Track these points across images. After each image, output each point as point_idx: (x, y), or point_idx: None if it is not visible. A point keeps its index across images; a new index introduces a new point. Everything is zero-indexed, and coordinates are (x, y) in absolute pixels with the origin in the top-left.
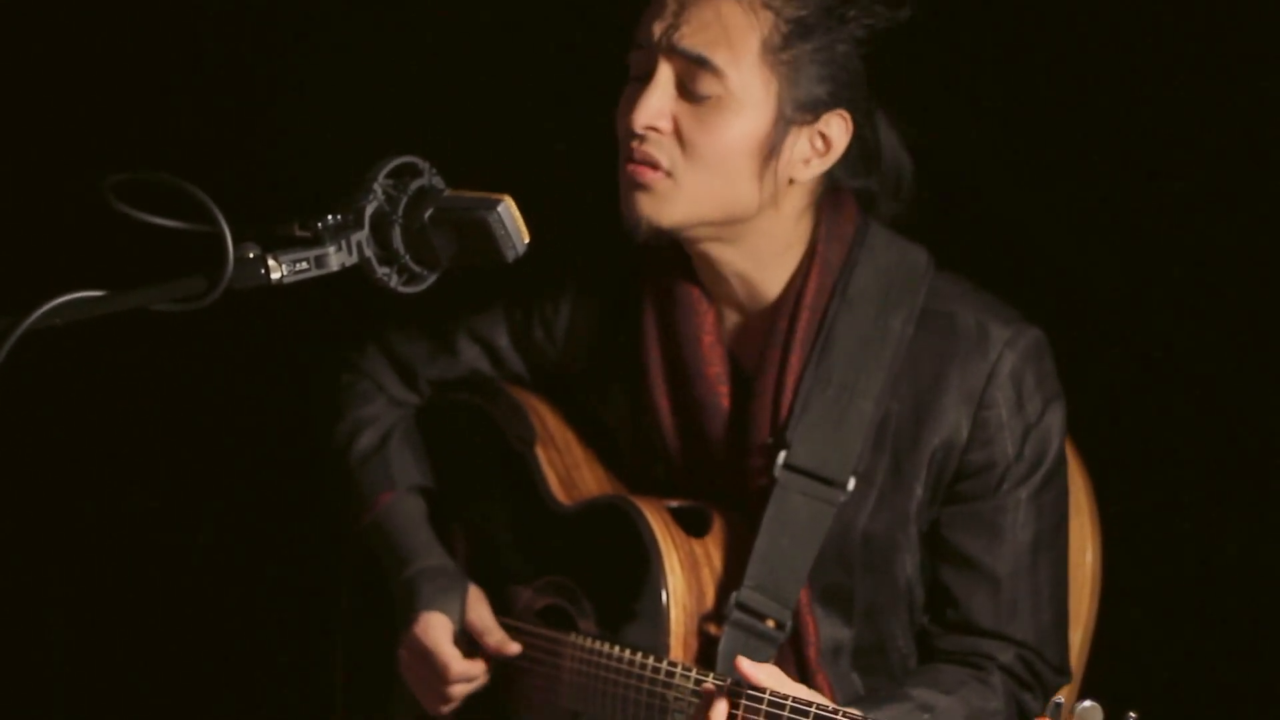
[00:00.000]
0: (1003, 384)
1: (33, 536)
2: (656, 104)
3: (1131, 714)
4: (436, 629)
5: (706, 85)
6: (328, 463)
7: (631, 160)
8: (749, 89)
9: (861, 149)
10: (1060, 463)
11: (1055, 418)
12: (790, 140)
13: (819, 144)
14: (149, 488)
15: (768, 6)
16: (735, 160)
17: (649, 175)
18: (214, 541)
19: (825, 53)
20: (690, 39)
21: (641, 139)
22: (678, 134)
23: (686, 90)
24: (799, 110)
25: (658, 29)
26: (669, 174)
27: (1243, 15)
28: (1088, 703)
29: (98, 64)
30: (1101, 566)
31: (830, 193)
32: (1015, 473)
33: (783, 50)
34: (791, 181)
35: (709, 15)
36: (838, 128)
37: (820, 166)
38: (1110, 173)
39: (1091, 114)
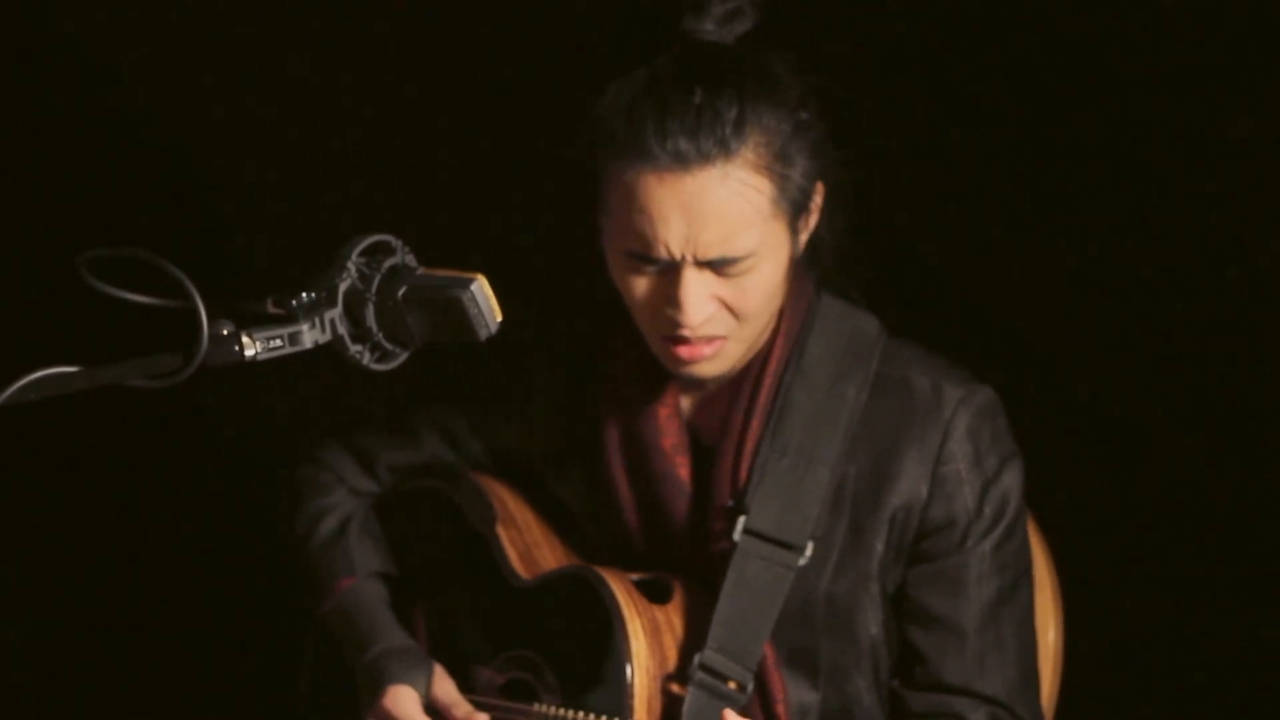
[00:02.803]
0: (959, 440)
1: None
2: (699, 298)
3: None
4: (406, 701)
5: (738, 266)
6: (287, 553)
7: (684, 342)
8: (770, 241)
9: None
10: (1020, 518)
11: (1013, 475)
12: (800, 232)
13: (811, 218)
14: (116, 561)
15: (759, 168)
16: (776, 293)
17: (710, 349)
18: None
19: (805, 156)
20: (715, 249)
21: (694, 330)
22: (724, 306)
23: (719, 271)
24: (799, 210)
25: (676, 247)
26: (727, 337)
27: (1193, 77)
28: None
29: (71, 140)
30: (1064, 644)
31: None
32: (977, 528)
33: (784, 187)
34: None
35: (721, 213)
36: (817, 198)
37: (807, 233)
38: (1062, 240)
39: (1040, 174)
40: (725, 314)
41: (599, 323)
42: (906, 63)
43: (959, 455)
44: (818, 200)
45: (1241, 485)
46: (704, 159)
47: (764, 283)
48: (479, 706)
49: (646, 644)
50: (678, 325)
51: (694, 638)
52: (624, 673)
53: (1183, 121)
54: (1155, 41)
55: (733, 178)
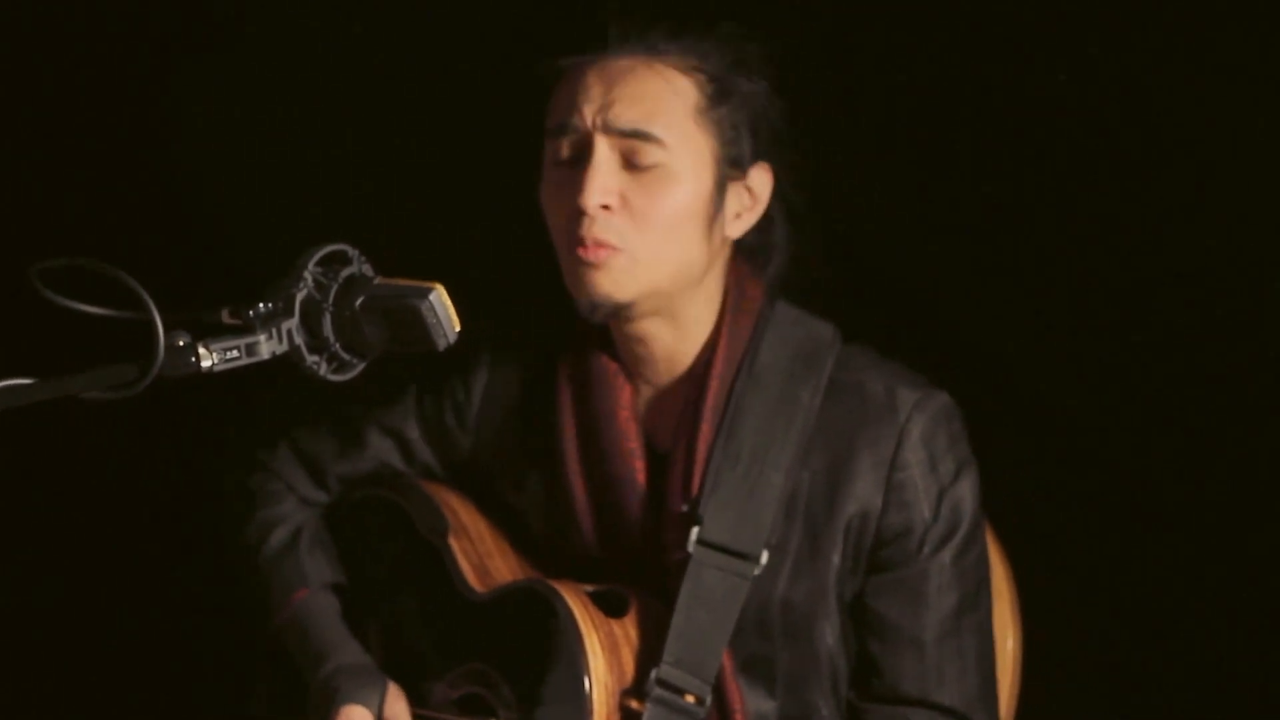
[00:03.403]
0: (914, 446)
1: None
2: (604, 181)
3: None
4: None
5: (649, 155)
6: (237, 564)
7: (582, 244)
8: (689, 152)
9: (771, 204)
10: (977, 526)
11: (969, 482)
12: (728, 197)
13: (747, 199)
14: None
15: (691, 70)
16: (686, 224)
17: (604, 254)
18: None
19: (747, 108)
20: (626, 116)
21: (589, 220)
22: (627, 208)
23: (629, 164)
24: (732, 166)
25: (589, 112)
26: (622, 249)
27: (1154, 90)
28: None
29: (25, 148)
30: (1022, 653)
31: (733, 265)
32: (934, 536)
33: (711, 110)
34: (725, 238)
35: (638, 89)
36: (761, 180)
37: (750, 220)
38: (1017, 246)
39: (1001, 184)
40: (626, 219)
41: (555, 329)
42: (869, 66)
43: (913, 462)
44: (761, 183)
45: (1200, 490)
46: (630, 49)
47: (673, 196)
48: None
49: (604, 659)
50: (580, 216)
51: (651, 651)
52: (582, 688)
53: (1142, 127)
54: (1119, 49)
55: (660, 67)
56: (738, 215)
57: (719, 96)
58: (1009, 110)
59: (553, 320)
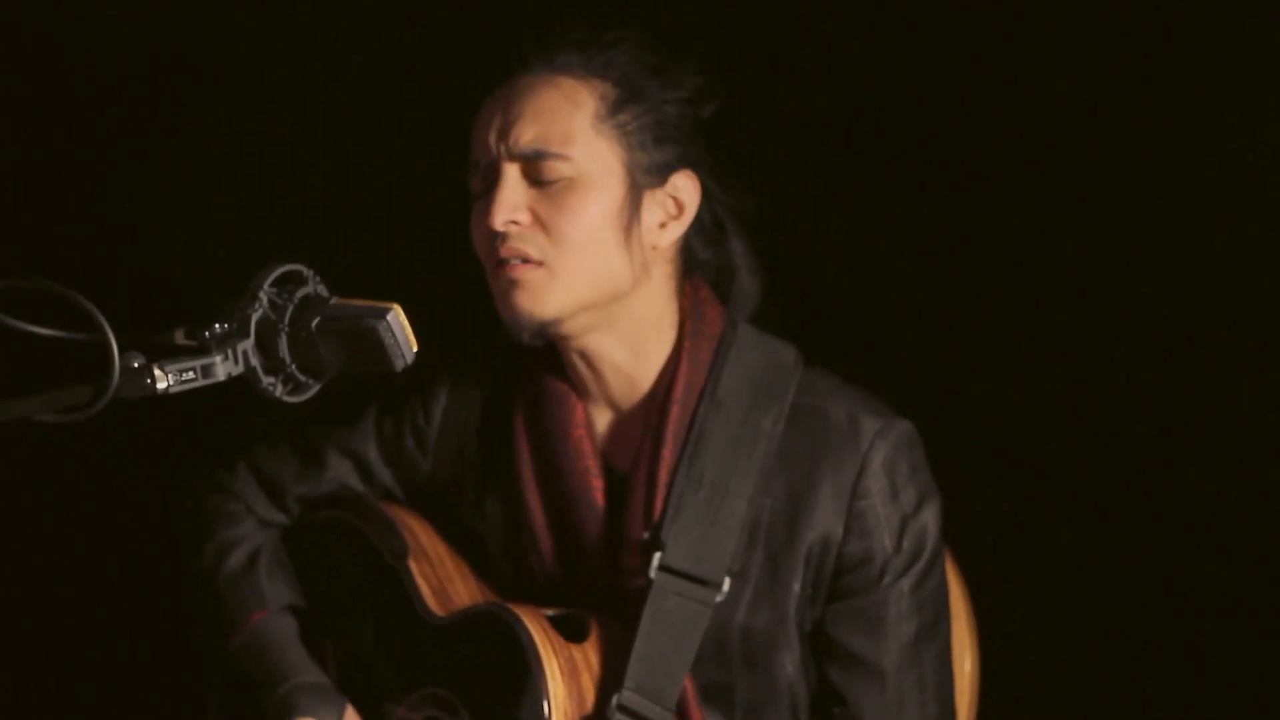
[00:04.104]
0: (875, 474)
1: None
2: (511, 199)
3: None
4: None
5: (553, 170)
6: (193, 584)
7: (500, 261)
8: (595, 161)
9: (711, 215)
10: (938, 555)
11: (931, 511)
12: (646, 205)
13: (671, 207)
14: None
15: (592, 77)
16: (600, 234)
17: (521, 270)
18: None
19: (656, 114)
20: (525, 138)
21: (504, 237)
22: (539, 224)
23: (536, 181)
24: (646, 174)
25: (492, 140)
26: (541, 263)
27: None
28: None
29: None
30: (980, 674)
31: (693, 286)
32: (895, 565)
33: (614, 116)
34: (654, 248)
35: (537, 105)
36: (686, 188)
37: (678, 229)
38: (966, 271)
39: (954, 200)
40: (539, 233)
41: (510, 349)
42: (808, 71)
43: (875, 490)
44: (687, 190)
45: (1155, 507)
46: (529, 68)
47: (583, 207)
48: None
49: (564, 684)
50: (494, 237)
51: (612, 677)
52: (542, 713)
53: (1104, 146)
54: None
55: (558, 81)
56: (662, 225)
57: (621, 103)
58: (960, 118)
59: (511, 344)
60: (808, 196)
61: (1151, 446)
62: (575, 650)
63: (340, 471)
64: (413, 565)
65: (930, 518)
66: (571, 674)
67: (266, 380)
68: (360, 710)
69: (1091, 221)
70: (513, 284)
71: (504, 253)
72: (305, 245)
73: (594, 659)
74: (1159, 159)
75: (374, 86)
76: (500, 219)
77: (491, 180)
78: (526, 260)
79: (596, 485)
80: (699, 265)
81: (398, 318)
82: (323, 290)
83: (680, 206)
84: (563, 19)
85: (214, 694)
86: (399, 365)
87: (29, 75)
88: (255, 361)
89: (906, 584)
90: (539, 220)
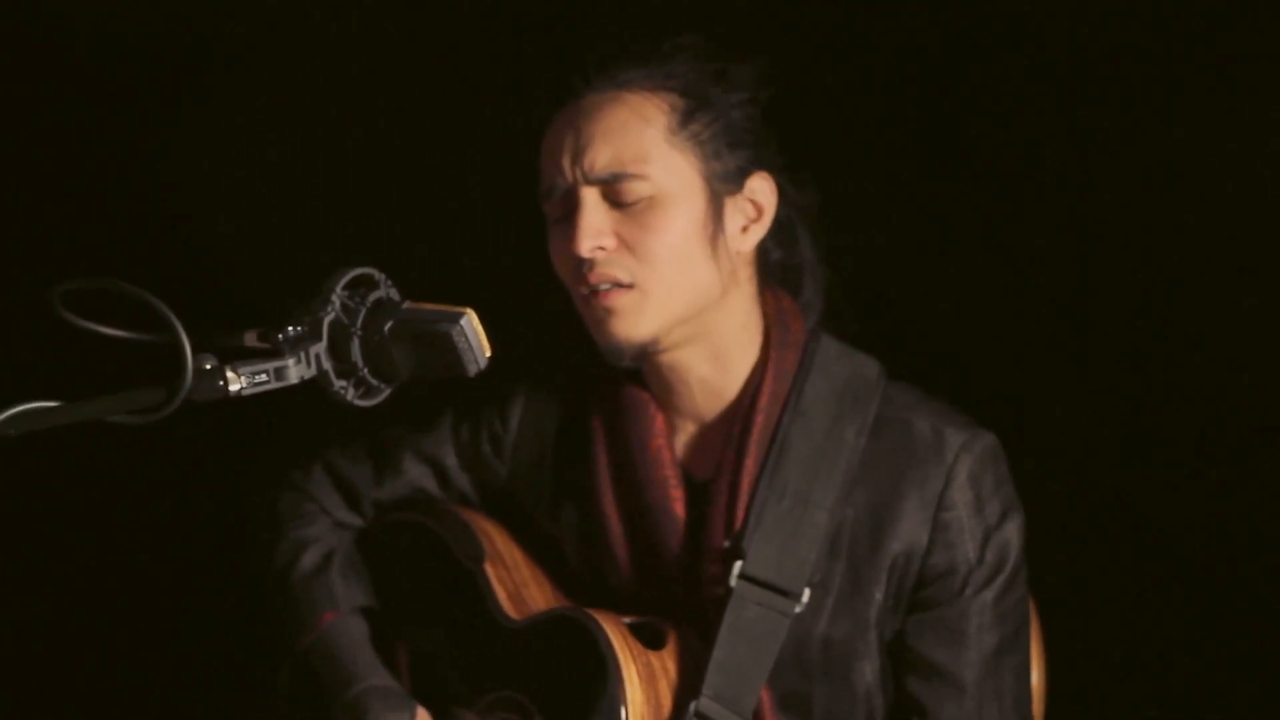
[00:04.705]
0: (961, 486)
1: None
2: (594, 224)
3: None
4: None
5: (632, 191)
6: (266, 584)
7: (591, 289)
8: (673, 176)
9: (785, 214)
10: (1020, 568)
11: (1014, 525)
12: (728, 212)
13: (751, 211)
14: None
15: (658, 90)
16: (688, 248)
17: (613, 298)
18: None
19: (725, 119)
20: (600, 162)
21: (592, 264)
22: (625, 246)
23: (616, 203)
24: (723, 181)
25: (566, 165)
26: (631, 286)
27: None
28: None
29: (47, 171)
30: (1046, 686)
31: (774, 296)
32: (977, 578)
33: (685, 127)
34: (739, 254)
35: (606, 126)
36: (763, 190)
37: (759, 231)
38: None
39: (1038, 213)
40: (626, 255)
41: (590, 357)
42: (870, 69)
43: (960, 502)
44: (764, 192)
45: (1219, 518)
46: (593, 87)
47: (667, 226)
48: None
49: (642, 690)
50: (582, 264)
51: (689, 685)
52: (619, 719)
53: (1202, 158)
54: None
55: (626, 98)
56: (744, 229)
57: (690, 113)
58: (1031, 121)
59: (589, 351)
60: (875, 202)
61: (1222, 458)
62: (653, 657)
63: (417, 476)
64: (489, 570)
65: (1013, 531)
66: (649, 680)
67: (338, 384)
68: (431, 714)
69: (1170, 231)
70: (607, 312)
71: (593, 279)
72: (377, 249)
73: (671, 667)
74: (1242, 162)
75: (449, 93)
76: (586, 246)
77: (570, 206)
78: (617, 284)
79: (676, 495)
80: (772, 267)
81: (471, 322)
82: (394, 294)
83: (759, 209)
84: (620, 33)
85: (281, 695)
86: (472, 370)
87: (98, 73)
88: (327, 365)
89: (989, 596)
90: (624, 243)
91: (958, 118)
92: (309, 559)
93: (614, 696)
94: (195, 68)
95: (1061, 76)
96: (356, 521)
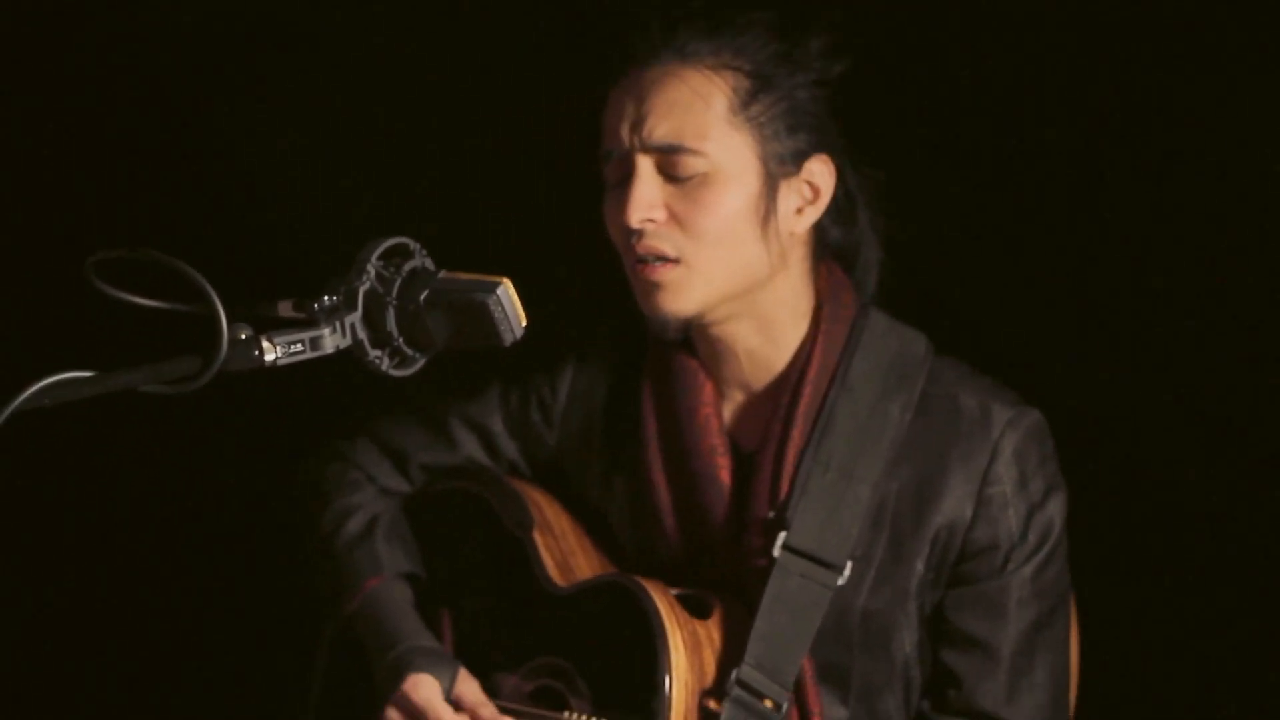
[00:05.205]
0: (1006, 461)
1: (21, 620)
2: (646, 196)
3: None
4: (427, 688)
5: (688, 166)
6: (311, 550)
7: (638, 259)
8: (730, 155)
9: (844, 193)
10: (1060, 545)
11: (1057, 503)
12: (782, 193)
13: (807, 192)
14: (133, 567)
15: (722, 69)
16: (737, 227)
17: (660, 271)
18: (195, 633)
19: (788, 101)
20: (659, 132)
21: (640, 235)
22: (675, 220)
23: (670, 176)
24: (781, 164)
25: (625, 133)
26: (679, 261)
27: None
28: None
29: (78, 142)
30: (1080, 660)
31: (828, 269)
32: (1019, 554)
33: (747, 109)
34: (791, 235)
35: (669, 99)
36: (821, 173)
37: (814, 214)
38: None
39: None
40: (675, 229)
41: (639, 327)
42: (937, 51)
43: (1005, 477)
44: (822, 175)
45: (1259, 498)
46: (658, 56)
47: (719, 201)
48: (507, 712)
49: (686, 657)
50: (631, 234)
51: (732, 654)
52: (662, 684)
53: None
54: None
55: (689, 74)
56: (798, 210)
57: (753, 94)
58: (1087, 107)
59: (634, 318)
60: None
61: (1269, 441)
62: (699, 626)
63: (465, 442)
64: (537, 537)
65: (1056, 509)
66: (694, 648)
67: (373, 353)
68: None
69: (1229, 210)
70: (654, 286)
71: (640, 250)
72: (411, 219)
73: (716, 636)
74: None
75: (484, 61)
76: (636, 217)
77: (626, 171)
78: (663, 258)
79: (723, 464)
80: (829, 243)
81: (507, 292)
82: (429, 263)
83: (816, 191)
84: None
85: (318, 665)
86: (508, 340)
87: (131, 42)
88: (362, 334)
89: (1028, 571)
90: (674, 216)
91: (1019, 100)
92: (353, 525)
93: (659, 662)
94: (235, 39)
95: (1121, 58)
96: (404, 487)
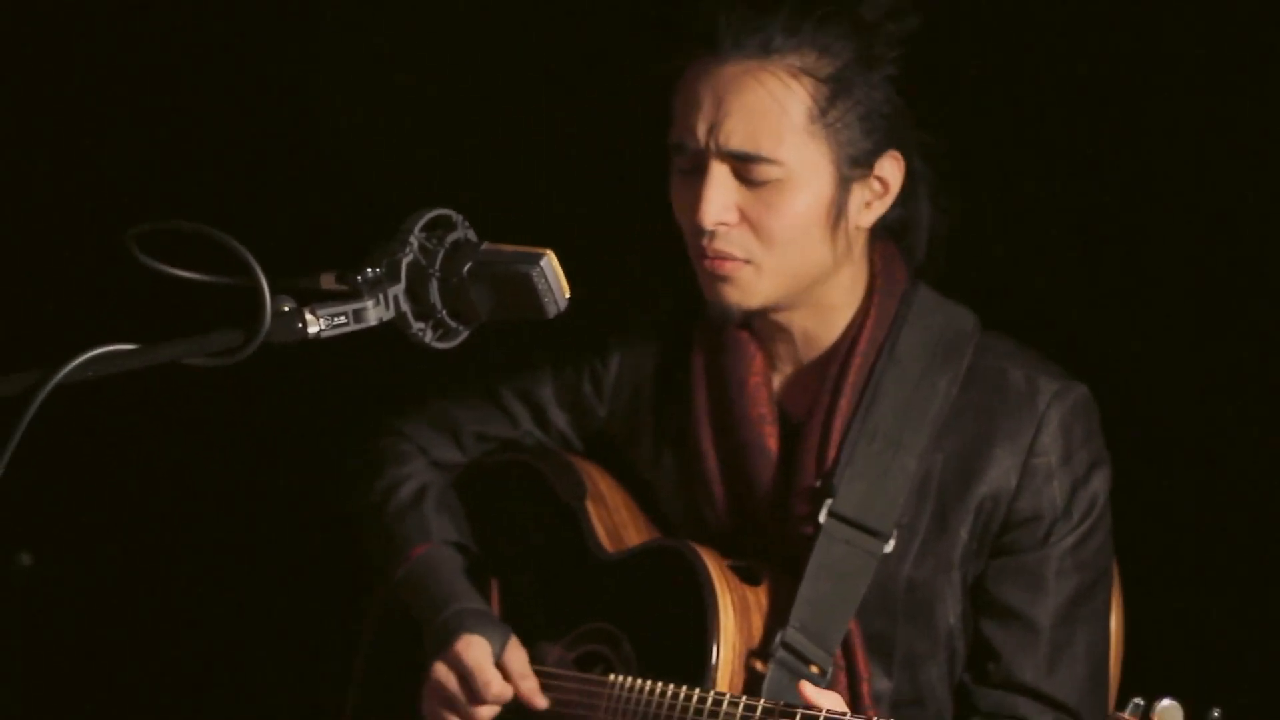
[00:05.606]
0: (1052, 433)
1: (64, 591)
2: (720, 199)
3: (1215, 711)
4: (480, 649)
5: (763, 172)
6: (362, 519)
7: (707, 256)
8: (805, 162)
9: (908, 177)
10: (1103, 518)
11: (1101, 478)
12: (853, 194)
13: (877, 187)
14: (178, 541)
15: (801, 74)
16: (808, 232)
17: (729, 267)
18: (238, 605)
19: (866, 104)
20: (736, 139)
21: (711, 235)
22: (746, 222)
23: (745, 179)
24: (854, 165)
25: (701, 133)
26: (748, 261)
27: None
28: (1167, 701)
29: (121, 115)
30: (1124, 632)
31: (882, 245)
32: (1062, 527)
33: (825, 115)
34: (857, 228)
35: (747, 104)
36: (891, 169)
37: (881, 208)
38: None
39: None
40: (746, 232)
41: (689, 297)
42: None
43: (1051, 449)
44: (892, 171)
45: None
46: (741, 52)
47: (792, 207)
48: (552, 678)
49: (735, 620)
50: (701, 231)
51: (778, 619)
52: (711, 647)
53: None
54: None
55: (769, 77)
56: (867, 205)
57: (831, 100)
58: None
59: (685, 289)
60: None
61: None
62: (749, 590)
63: (517, 414)
64: (590, 506)
65: (1100, 483)
66: (743, 611)
67: (416, 325)
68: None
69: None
70: (721, 279)
71: (710, 252)
72: (453, 190)
73: (765, 602)
74: None
75: (534, 34)
76: (710, 219)
77: (698, 166)
78: (733, 258)
79: (770, 432)
80: (887, 224)
81: (551, 263)
82: (472, 235)
83: (885, 187)
84: None
85: (368, 631)
86: (551, 312)
87: (175, 12)
88: (405, 307)
89: (1070, 543)
90: (746, 218)
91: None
92: (403, 493)
93: (708, 625)
94: (281, 7)
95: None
96: (459, 458)
